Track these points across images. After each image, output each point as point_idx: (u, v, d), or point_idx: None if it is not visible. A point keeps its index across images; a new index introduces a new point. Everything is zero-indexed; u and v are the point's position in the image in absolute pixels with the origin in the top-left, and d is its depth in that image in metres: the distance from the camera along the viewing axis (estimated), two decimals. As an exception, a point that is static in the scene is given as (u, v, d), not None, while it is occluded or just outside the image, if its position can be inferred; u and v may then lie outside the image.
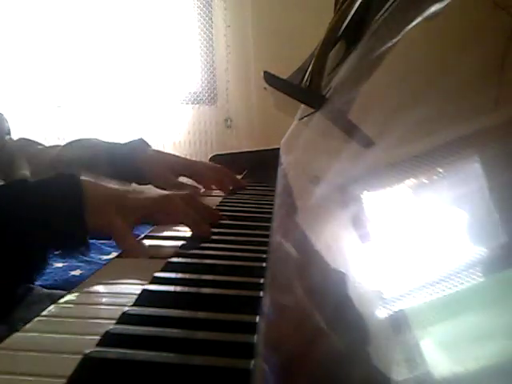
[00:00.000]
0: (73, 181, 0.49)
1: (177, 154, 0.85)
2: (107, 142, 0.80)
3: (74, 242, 0.48)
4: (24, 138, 0.80)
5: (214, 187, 0.81)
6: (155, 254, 0.47)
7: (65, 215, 0.46)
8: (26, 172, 0.68)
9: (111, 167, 0.73)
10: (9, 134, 0.79)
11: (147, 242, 0.51)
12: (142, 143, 0.80)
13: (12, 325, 0.52)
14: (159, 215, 0.54)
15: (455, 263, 0.14)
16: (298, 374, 0.18)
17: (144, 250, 0.48)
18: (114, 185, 0.52)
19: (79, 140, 0.82)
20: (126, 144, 0.78)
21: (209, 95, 2.31)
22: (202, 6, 2.23)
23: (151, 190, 0.60)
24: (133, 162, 0.75)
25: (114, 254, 0.49)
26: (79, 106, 2.32)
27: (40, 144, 0.81)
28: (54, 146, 0.81)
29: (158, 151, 0.83)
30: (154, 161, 0.77)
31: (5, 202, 0.46)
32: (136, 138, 0.81)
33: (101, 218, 0.48)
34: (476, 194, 0.14)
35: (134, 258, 0.47)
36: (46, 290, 0.70)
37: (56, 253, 0.49)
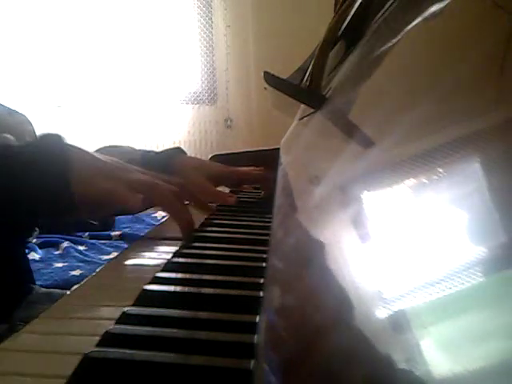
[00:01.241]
0: (58, 144, 0.47)
1: None
2: (141, 151, 0.76)
3: (62, 209, 0.47)
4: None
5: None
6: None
7: (50, 180, 0.45)
8: (8, 136, 0.66)
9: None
10: (34, 137, 0.78)
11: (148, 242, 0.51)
12: (179, 151, 0.76)
13: (12, 324, 0.52)
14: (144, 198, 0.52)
15: (455, 263, 0.14)
16: (298, 374, 0.18)
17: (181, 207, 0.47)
18: (101, 155, 0.51)
19: (110, 146, 0.79)
20: (161, 152, 0.75)
21: (209, 95, 2.32)
22: (201, 6, 2.23)
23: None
24: (168, 169, 0.69)
25: (114, 254, 0.49)
26: (79, 106, 2.32)
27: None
28: None
29: (197, 158, 0.79)
30: (191, 168, 0.72)
31: None
32: (173, 147, 0.77)
33: (89, 181, 0.47)
34: (476, 194, 0.14)
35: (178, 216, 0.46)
36: (44, 290, 0.70)
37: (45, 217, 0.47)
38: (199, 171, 0.71)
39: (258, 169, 0.76)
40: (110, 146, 0.79)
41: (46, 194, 0.45)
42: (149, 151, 0.75)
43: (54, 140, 0.48)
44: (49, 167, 0.46)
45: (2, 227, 0.46)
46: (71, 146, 0.48)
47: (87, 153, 0.49)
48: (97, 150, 0.76)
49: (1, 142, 0.61)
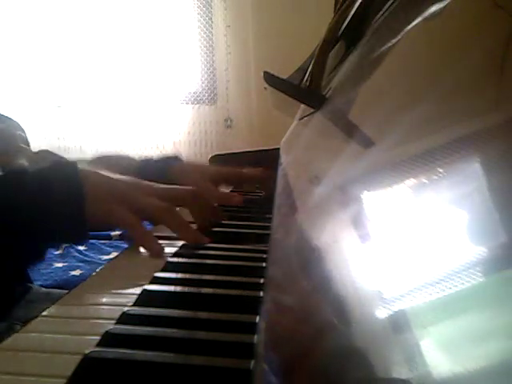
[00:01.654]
0: (71, 170, 0.48)
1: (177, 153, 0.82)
2: (138, 160, 0.74)
3: (73, 232, 0.47)
4: (45, 151, 0.76)
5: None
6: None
7: (63, 204, 0.45)
8: (23, 162, 0.66)
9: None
10: (27, 143, 0.77)
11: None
12: (176, 157, 0.74)
13: (10, 324, 0.52)
14: (158, 221, 0.53)
15: (455, 263, 0.14)
16: (298, 374, 0.18)
17: (155, 240, 0.47)
18: (113, 174, 0.51)
19: (107, 156, 0.78)
20: (156, 161, 0.73)
21: (209, 95, 2.31)
22: (201, 6, 2.23)
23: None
24: (166, 176, 0.67)
25: (114, 254, 0.49)
26: (79, 106, 2.32)
27: (60, 156, 0.77)
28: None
29: (193, 163, 0.77)
30: (188, 171, 0.70)
31: (2, 192, 0.45)
32: (172, 153, 0.75)
33: (101, 207, 0.47)
34: (476, 193, 0.14)
35: (146, 247, 0.46)
36: (44, 289, 0.70)
37: (55, 243, 0.48)
38: (197, 175, 0.69)
39: (256, 169, 0.76)
40: (105, 156, 0.78)
41: (57, 220, 0.45)
42: (146, 159, 0.74)
43: (67, 166, 0.48)
44: (62, 193, 0.46)
45: (11, 253, 0.46)
46: (84, 169, 0.48)
47: (100, 175, 0.49)
48: (91, 161, 0.75)
49: (15, 167, 0.61)
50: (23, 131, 0.78)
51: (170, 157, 0.74)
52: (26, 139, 0.78)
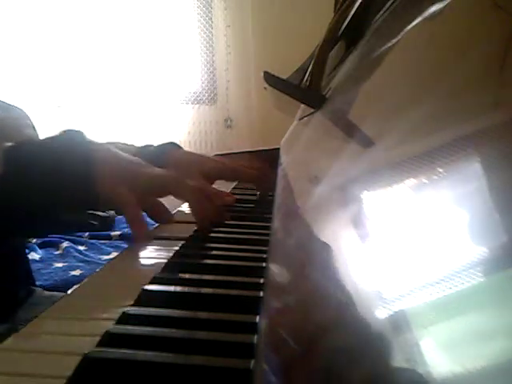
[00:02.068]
0: (83, 143, 0.48)
1: None
2: (135, 146, 0.73)
3: (84, 203, 0.48)
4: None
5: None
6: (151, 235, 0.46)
7: (74, 177, 0.46)
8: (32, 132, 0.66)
9: None
10: (34, 131, 0.77)
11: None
12: (173, 146, 0.73)
13: (13, 325, 0.52)
14: (167, 192, 0.53)
15: (455, 263, 0.14)
16: (298, 374, 0.18)
17: (144, 227, 0.48)
18: (126, 156, 0.51)
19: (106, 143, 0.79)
20: (155, 147, 0.72)
21: (209, 95, 2.31)
22: (201, 6, 2.23)
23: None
24: (161, 164, 0.66)
25: (114, 254, 0.49)
26: (79, 106, 2.32)
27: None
28: None
29: (191, 153, 0.75)
30: (185, 163, 0.68)
31: (14, 162, 0.45)
32: (168, 141, 0.74)
33: (107, 186, 0.47)
34: (476, 193, 0.14)
35: (135, 233, 0.47)
36: (47, 293, 0.70)
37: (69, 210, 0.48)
38: (193, 167, 0.68)
39: (254, 166, 0.74)
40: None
41: (70, 191, 0.46)
42: (144, 146, 0.73)
43: (77, 137, 0.49)
44: (75, 163, 0.46)
45: (21, 222, 0.46)
46: (94, 143, 0.49)
47: (109, 150, 0.50)
48: None
49: (25, 137, 0.61)
50: (29, 118, 0.78)
51: (167, 144, 0.73)
52: (33, 126, 0.78)
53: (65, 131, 0.49)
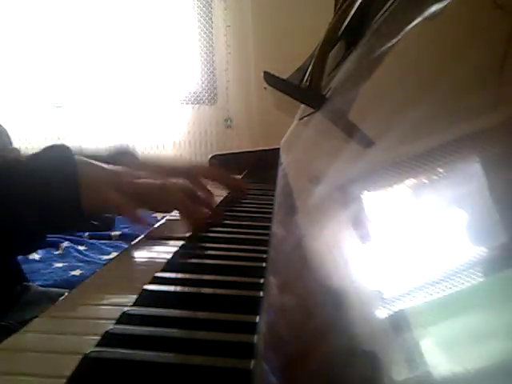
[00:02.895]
0: (65, 156, 0.47)
1: (177, 154, 0.80)
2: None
3: (71, 218, 0.47)
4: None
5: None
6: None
7: (59, 192, 0.45)
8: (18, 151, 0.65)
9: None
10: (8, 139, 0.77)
11: (147, 243, 0.51)
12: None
13: (8, 324, 0.52)
14: (156, 201, 0.52)
15: (455, 263, 0.14)
16: (298, 374, 0.18)
17: (145, 219, 0.48)
18: (110, 166, 0.51)
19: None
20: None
21: (209, 95, 2.32)
22: (201, 6, 2.23)
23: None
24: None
25: (114, 254, 0.49)
26: (79, 106, 2.32)
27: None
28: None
29: (89, 164, 0.53)
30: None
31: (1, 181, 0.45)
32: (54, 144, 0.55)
33: (96, 194, 0.47)
34: (476, 193, 0.14)
35: (138, 225, 0.46)
36: (41, 288, 0.69)
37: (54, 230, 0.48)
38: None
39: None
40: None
41: (54, 207, 0.45)
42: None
43: (61, 151, 0.48)
44: (57, 180, 0.46)
45: (8, 241, 0.46)
46: (77, 157, 0.48)
47: (93, 164, 0.49)
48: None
49: (9, 155, 0.60)
50: (8, 136, 0.77)
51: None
52: (11, 144, 0.77)
53: (51, 145, 0.48)
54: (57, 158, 0.48)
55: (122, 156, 0.61)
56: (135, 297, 0.35)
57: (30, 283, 0.69)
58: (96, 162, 0.50)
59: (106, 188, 0.48)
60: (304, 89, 0.60)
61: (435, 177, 0.17)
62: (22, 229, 0.45)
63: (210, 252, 0.46)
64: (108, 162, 0.54)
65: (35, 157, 0.48)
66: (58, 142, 0.49)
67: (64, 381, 0.25)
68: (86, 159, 0.49)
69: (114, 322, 0.30)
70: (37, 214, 0.45)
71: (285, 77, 0.73)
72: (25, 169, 0.47)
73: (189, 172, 0.63)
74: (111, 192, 0.47)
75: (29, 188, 0.45)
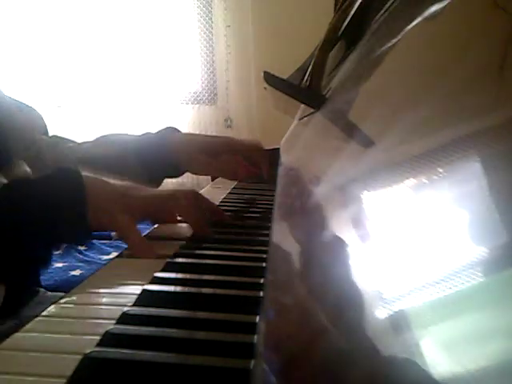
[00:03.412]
0: (74, 178, 0.48)
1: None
2: (136, 136, 0.74)
3: (77, 239, 0.48)
4: (56, 136, 0.77)
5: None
6: (159, 253, 0.47)
7: (67, 214, 0.45)
8: (26, 168, 0.66)
9: (140, 162, 0.69)
10: (46, 133, 0.77)
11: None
12: (172, 130, 0.73)
13: (20, 321, 0.52)
14: (162, 214, 0.54)
15: (455, 263, 0.14)
16: (298, 374, 0.18)
17: (150, 249, 0.48)
18: (116, 181, 0.51)
19: (107, 136, 0.77)
20: (154, 134, 0.72)
21: (209, 95, 2.31)
22: (201, 6, 2.23)
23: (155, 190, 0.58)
24: (162, 152, 0.68)
25: (114, 254, 0.49)
26: (79, 106, 2.32)
27: (72, 141, 0.77)
28: (83, 144, 0.77)
29: (190, 134, 0.76)
30: (186, 145, 0.69)
31: (6, 202, 0.45)
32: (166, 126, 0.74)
33: (103, 215, 0.47)
34: (476, 193, 0.14)
35: (139, 256, 0.46)
36: (50, 293, 0.70)
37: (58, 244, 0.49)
38: (192, 146, 0.69)
39: (252, 140, 0.75)
40: (105, 136, 0.78)
41: (61, 227, 0.45)
42: (143, 134, 0.73)
43: (70, 173, 0.49)
44: (65, 200, 0.46)
45: (17, 260, 0.46)
46: (86, 175, 0.48)
47: (102, 182, 0.50)
48: (93, 142, 0.76)
49: (19, 175, 0.61)
50: (42, 119, 0.78)
51: (166, 128, 0.73)
52: (46, 129, 0.78)
53: (59, 168, 0.49)
54: (65, 181, 0.48)
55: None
56: (135, 297, 0.35)
57: (39, 288, 0.69)
58: (105, 179, 0.50)
59: (113, 210, 0.48)
60: (304, 89, 0.60)
61: (435, 177, 0.17)
62: (29, 252, 0.46)
63: (209, 252, 0.46)
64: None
65: (44, 178, 0.48)
66: (66, 166, 0.50)
67: (64, 381, 0.25)
68: (94, 176, 0.49)
69: (114, 321, 0.30)
70: (43, 237, 0.45)
71: (285, 77, 0.73)
72: (32, 190, 0.47)
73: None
74: (119, 214, 0.48)
75: (35, 207, 0.45)
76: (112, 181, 0.51)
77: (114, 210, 0.48)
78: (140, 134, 0.76)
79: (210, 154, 0.69)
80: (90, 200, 0.47)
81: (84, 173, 0.49)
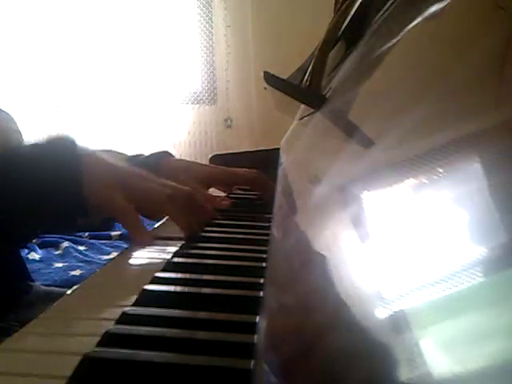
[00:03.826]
0: (69, 147, 0.47)
1: (177, 154, 0.80)
2: (126, 155, 0.71)
3: (71, 212, 0.46)
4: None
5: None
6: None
7: (60, 183, 0.44)
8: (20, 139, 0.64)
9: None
10: (20, 136, 0.76)
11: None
12: (165, 154, 0.71)
13: (7, 324, 0.52)
14: (153, 211, 0.52)
15: (455, 263, 0.14)
16: (298, 374, 0.18)
17: (147, 233, 0.47)
18: (118, 162, 0.50)
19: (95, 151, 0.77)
20: (146, 156, 0.69)
21: (209, 95, 2.32)
22: (201, 6, 2.23)
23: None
24: (154, 171, 0.65)
25: (114, 254, 0.49)
26: (78, 106, 2.32)
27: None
28: None
29: (185, 161, 0.72)
30: (179, 171, 0.66)
31: (1, 171, 0.44)
32: (161, 150, 0.71)
33: (100, 189, 0.46)
34: (476, 193, 0.14)
35: (137, 239, 0.46)
36: (43, 288, 0.69)
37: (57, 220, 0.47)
38: (188, 174, 0.66)
39: (250, 171, 0.71)
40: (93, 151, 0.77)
41: (57, 196, 0.44)
42: (136, 155, 0.71)
43: (66, 142, 0.47)
44: (61, 171, 0.45)
45: (10, 229, 0.45)
46: (83, 149, 0.47)
47: (99, 157, 0.48)
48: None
49: (14, 143, 0.59)
50: (15, 123, 0.77)
51: (159, 153, 0.71)
52: (19, 131, 0.77)
53: (55, 136, 0.47)
54: (61, 148, 0.46)
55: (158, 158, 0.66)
56: (135, 297, 0.35)
57: (33, 283, 0.69)
58: (104, 156, 0.49)
59: (111, 189, 0.46)
60: (304, 89, 0.60)
61: (435, 177, 0.17)
62: (21, 222, 0.45)
63: (209, 252, 0.46)
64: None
65: (38, 147, 0.47)
66: (62, 134, 0.48)
67: (64, 381, 0.25)
68: (92, 150, 0.48)
69: (113, 321, 0.30)
70: (36, 202, 0.44)
71: (285, 77, 0.73)
72: (26, 160, 0.46)
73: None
74: (117, 195, 0.46)
75: (30, 179, 0.44)
76: (112, 159, 0.49)
77: (111, 189, 0.46)
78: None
79: (201, 182, 0.67)
80: (85, 173, 0.45)
81: (82, 146, 0.47)
